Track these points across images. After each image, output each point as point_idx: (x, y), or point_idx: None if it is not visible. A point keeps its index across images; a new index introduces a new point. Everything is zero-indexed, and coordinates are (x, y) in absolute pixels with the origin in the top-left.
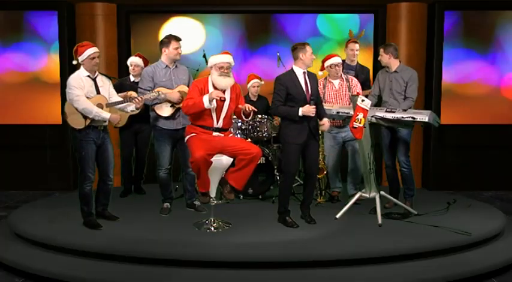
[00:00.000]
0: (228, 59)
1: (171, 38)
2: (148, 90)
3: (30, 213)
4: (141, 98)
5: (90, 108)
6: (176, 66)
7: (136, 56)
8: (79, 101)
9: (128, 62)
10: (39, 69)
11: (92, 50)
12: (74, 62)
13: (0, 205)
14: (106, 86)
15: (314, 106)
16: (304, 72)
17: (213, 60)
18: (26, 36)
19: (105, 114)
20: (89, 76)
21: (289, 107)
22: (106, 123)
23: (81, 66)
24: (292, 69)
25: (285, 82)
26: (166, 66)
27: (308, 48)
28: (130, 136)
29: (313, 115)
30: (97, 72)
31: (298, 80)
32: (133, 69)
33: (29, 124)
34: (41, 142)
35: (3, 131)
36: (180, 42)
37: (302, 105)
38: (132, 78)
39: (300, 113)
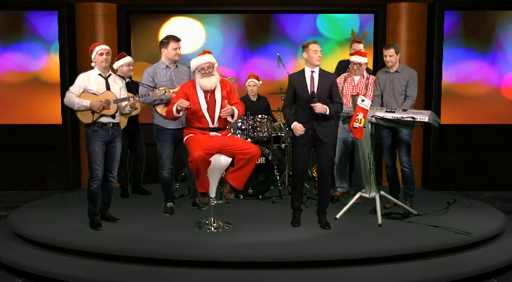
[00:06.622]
0: (206, 59)
1: (170, 39)
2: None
3: (30, 213)
4: (137, 98)
5: (72, 100)
6: (177, 67)
7: (122, 56)
8: (66, 96)
9: (127, 63)
10: (39, 69)
11: (101, 46)
12: (93, 64)
13: (0, 205)
14: (117, 86)
15: (303, 129)
16: (312, 72)
17: (193, 64)
18: (26, 36)
19: (86, 102)
20: (100, 75)
21: (298, 106)
22: (116, 121)
23: (95, 66)
24: (304, 68)
25: (292, 81)
26: (167, 66)
27: (311, 46)
28: (124, 138)
29: (299, 135)
30: (109, 71)
31: (305, 79)
32: (132, 70)
33: (29, 124)
34: (41, 142)
35: (3, 131)
36: (180, 42)
37: (305, 105)
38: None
39: (292, 127)
